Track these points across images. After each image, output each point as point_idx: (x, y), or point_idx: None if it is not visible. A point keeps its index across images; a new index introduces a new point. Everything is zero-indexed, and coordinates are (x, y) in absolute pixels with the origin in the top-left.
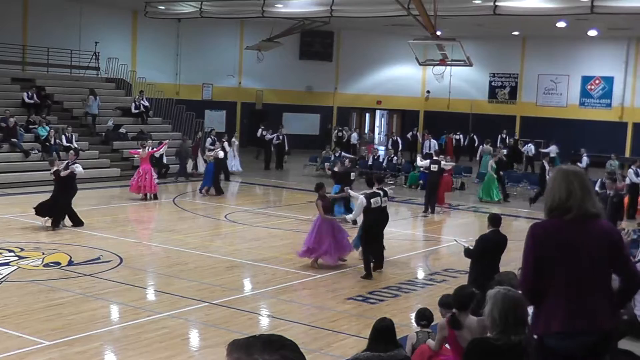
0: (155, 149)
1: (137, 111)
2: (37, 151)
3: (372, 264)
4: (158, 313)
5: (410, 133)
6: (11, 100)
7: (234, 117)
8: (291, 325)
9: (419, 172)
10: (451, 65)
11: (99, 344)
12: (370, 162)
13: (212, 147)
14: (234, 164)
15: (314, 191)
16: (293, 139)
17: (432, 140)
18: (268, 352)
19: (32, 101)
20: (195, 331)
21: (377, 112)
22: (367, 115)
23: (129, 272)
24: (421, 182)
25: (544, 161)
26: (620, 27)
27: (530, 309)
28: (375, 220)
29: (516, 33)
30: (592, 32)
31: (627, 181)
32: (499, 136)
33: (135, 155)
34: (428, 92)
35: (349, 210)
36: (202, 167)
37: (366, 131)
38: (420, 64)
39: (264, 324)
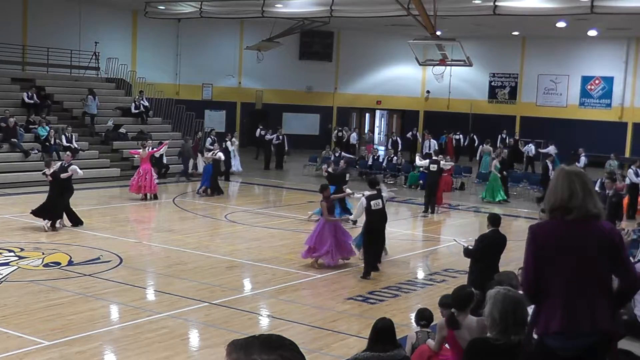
0: (155, 149)
1: (137, 111)
2: (37, 151)
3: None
4: (158, 313)
5: (410, 133)
6: (11, 100)
7: (234, 117)
8: (291, 325)
9: (419, 172)
10: (451, 65)
11: (99, 344)
12: (370, 162)
13: (211, 147)
14: (234, 163)
15: (319, 192)
16: (293, 139)
17: (432, 140)
18: (266, 352)
19: (32, 101)
20: (195, 331)
21: (377, 112)
22: (367, 115)
23: (128, 272)
24: (421, 182)
25: (547, 161)
26: (620, 27)
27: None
28: (376, 221)
29: (516, 33)
30: (592, 32)
31: (627, 181)
32: (499, 136)
33: (136, 156)
34: (428, 92)
35: (346, 210)
36: (202, 167)
37: (366, 131)
38: (420, 64)
39: (264, 324)
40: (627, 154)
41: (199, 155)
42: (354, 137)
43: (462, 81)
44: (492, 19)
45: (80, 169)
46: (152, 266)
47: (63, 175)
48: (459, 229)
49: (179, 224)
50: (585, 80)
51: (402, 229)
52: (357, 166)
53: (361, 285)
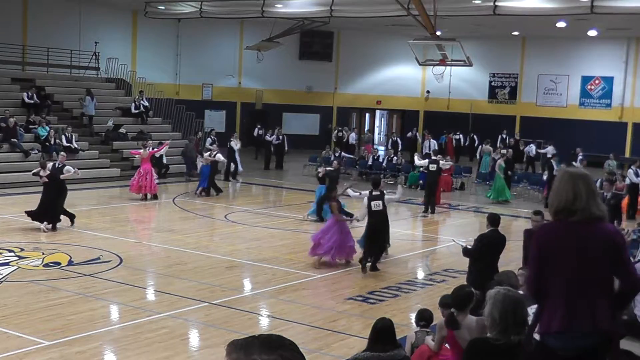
0: (156, 149)
1: (137, 111)
2: (37, 151)
3: (369, 263)
4: (158, 313)
5: (410, 133)
6: (11, 100)
7: (234, 117)
8: (291, 325)
9: (419, 172)
10: (451, 65)
11: (99, 344)
12: (370, 162)
13: (210, 148)
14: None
15: (325, 192)
16: (293, 139)
17: (431, 140)
18: (266, 352)
19: (32, 101)
20: (195, 331)
21: (377, 112)
22: (367, 115)
23: (128, 272)
24: (421, 182)
25: (552, 161)
26: (620, 27)
27: (530, 310)
28: (377, 222)
29: (516, 33)
30: (592, 32)
31: (627, 181)
32: (499, 136)
33: (136, 156)
34: (428, 92)
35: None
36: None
37: (366, 131)
38: (420, 64)
39: (264, 324)
40: (627, 154)
41: (199, 155)
42: (353, 137)
43: (462, 81)
44: (492, 19)
45: (79, 169)
46: (152, 266)
47: (64, 176)
48: (459, 229)
49: (179, 224)
50: (585, 80)
51: (402, 229)
52: (357, 166)
53: (361, 285)
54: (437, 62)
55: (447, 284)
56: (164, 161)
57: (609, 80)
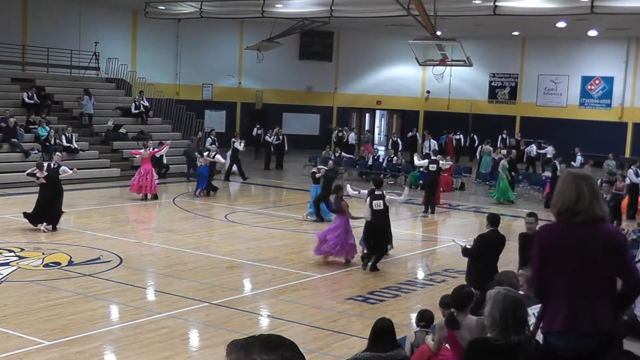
0: (157, 150)
1: (137, 111)
2: (37, 151)
3: (370, 261)
4: (158, 313)
5: (410, 133)
6: (11, 100)
7: (234, 118)
8: (291, 325)
9: (419, 172)
10: (451, 65)
11: (99, 344)
12: (370, 163)
13: (210, 148)
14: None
15: (332, 192)
16: (293, 139)
17: (431, 140)
18: (266, 352)
19: (32, 101)
20: (195, 331)
21: (377, 112)
22: (367, 115)
23: (128, 272)
24: (421, 182)
25: (556, 162)
26: (620, 27)
27: (530, 310)
28: (376, 221)
29: (516, 33)
30: (592, 32)
31: (627, 181)
32: (499, 136)
33: (137, 156)
34: (428, 92)
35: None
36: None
37: (366, 131)
38: (420, 64)
39: (264, 324)
40: (627, 154)
41: (198, 155)
42: (352, 137)
43: (462, 81)
44: (492, 19)
45: (80, 169)
46: (152, 266)
47: (63, 176)
48: (459, 229)
49: (179, 224)
50: (586, 80)
51: (402, 229)
52: (357, 166)
53: (361, 286)
54: (437, 62)
55: (447, 284)
56: (164, 161)
57: (609, 81)
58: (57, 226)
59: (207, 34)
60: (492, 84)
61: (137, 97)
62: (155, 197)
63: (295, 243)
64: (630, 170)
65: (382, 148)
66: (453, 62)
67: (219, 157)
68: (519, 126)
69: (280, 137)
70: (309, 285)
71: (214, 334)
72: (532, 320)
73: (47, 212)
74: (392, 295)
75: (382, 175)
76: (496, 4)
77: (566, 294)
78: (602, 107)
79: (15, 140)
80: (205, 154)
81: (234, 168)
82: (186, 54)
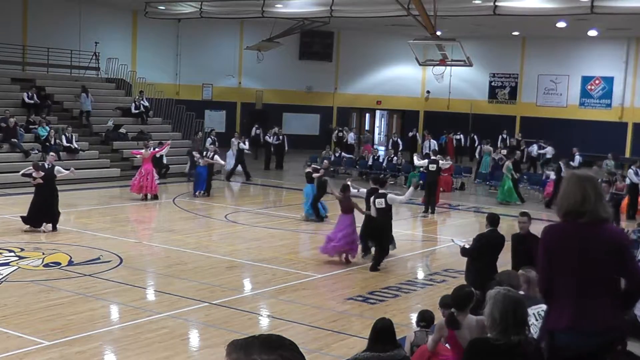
0: (158, 149)
1: (137, 111)
2: (37, 151)
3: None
4: (158, 313)
5: (410, 133)
6: (11, 100)
7: (234, 118)
8: (291, 325)
9: (419, 172)
10: (451, 65)
11: (99, 344)
12: (370, 163)
13: (208, 148)
14: (232, 163)
15: (340, 191)
16: (293, 139)
17: (431, 140)
18: (266, 352)
19: (32, 101)
20: (195, 331)
21: (377, 113)
22: (367, 115)
23: (128, 272)
24: (421, 182)
25: (560, 162)
26: (620, 27)
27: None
28: (376, 220)
29: (516, 33)
30: (592, 32)
31: (627, 181)
32: (500, 136)
33: (138, 156)
34: (428, 92)
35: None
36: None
37: (365, 131)
38: (420, 64)
39: (264, 324)
40: (627, 154)
41: (199, 155)
42: (351, 137)
43: (462, 81)
44: (492, 19)
45: (80, 169)
46: (152, 266)
47: (61, 175)
48: (459, 229)
49: (179, 224)
50: (586, 80)
51: (402, 229)
52: (357, 166)
53: (361, 286)
54: (437, 62)
55: (447, 284)
56: (164, 161)
57: (609, 81)
58: (57, 226)
59: (207, 34)
60: (492, 84)
61: (137, 97)
62: (155, 197)
63: (295, 243)
64: (630, 171)
65: (382, 148)
66: (453, 62)
67: (217, 157)
68: (519, 126)
69: (280, 137)
70: (309, 285)
71: (214, 334)
72: (532, 320)
73: (47, 213)
74: (392, 295)
75: (382, 175)
76: (496, 4)
77: (571, 293)
78: (602, 107)
79: (16, 140)
80: (204, 153)
81: (239, 168)
82: (186, 54)
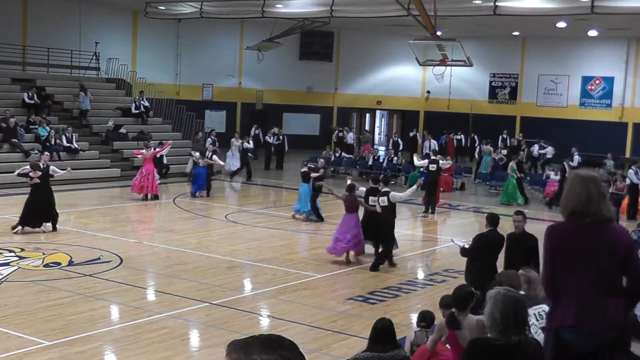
0: (159, 150)
1: (137, 111)
2: (37, 151)
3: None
4: (158, 313)
5: (411, 133)
6: (11, 100)
7: (234, 118)
8: (291, 325)
9: (419, 172)
10: (451, 65)
11: (99, 344)
12: (370, 163)
13: (207, 147)
14: (232, 163)
15: (346, 191)
16: (293, 139)
17: (431, 140)
18: (266, 352)
19: (32, 101)
20: (195, 331)
21: (377, 113)
22: (367, 115)
23: (129, 272)
24: (422, 182)
25: (564, 163)
26: (620, 27)
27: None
28: (382, 218)
29: (516, 33)
30: (592, 32)
31: (627, 181)
32: (500, 136)
33: (139, 156)
34: (428, 92)
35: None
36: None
37: (365, 131)
38: (420, 64)
39: (264, 324)
40: (627, 154)
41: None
42: (351, 137)
43: (462, 81)
44: (493, 19)
45: (80, 169)
46: (153, 266)
47: (58, 175)
48: (459, 229)
49: (180, 224)
50: (586, 80)
51: (402, 229)
52: (357, 166)
53: (361, 286)
54: (438, 62)
55: (448, 284)
56: (165, 161)
57: (609, 81)
58: (57, 226)
59: (208, 34)
60: (493, 84)
61: (138, 97)
62: (155, 197)
63: (295, 243)
64: (630, 171)
65: (383, 148)
66: (453, 62)
67: (215, 157)
68: (519, 126)
69: (281, 137)
70: (309, 286)
71: (214, 334)
72: (532, 320)
73: (46, 213)
74: (392, 295)
75: (381, 176)
76: (496, 4)
77: (576, 292)
78: (603, 107)
79: (16, 140)
80: (202, 153)
81: (232, 167)
82: (186, 54)
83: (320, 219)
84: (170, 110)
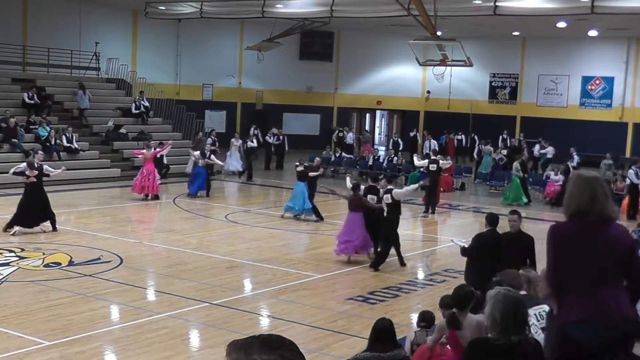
0: (159, 149)
1: (137, 111)
2: (37, 152)
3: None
4: (158, 313)
5: (411, 133)
6: (12, 100)
7: (234, 118)
8: (291, 325)
9: (419, 172)
10: (451, 65)
11: (99, 344)
12: (370, 163)
13: (211, 148)
14: (231, 163)
15: (351, 190)
16: (293, 139)
17: (431, 140)
18: (266, 352)
19: (32, 101)
20: (195, 331)
21: (378, 113)
22: (368, 115)
23: (129, 272)
24: (422, 182)
25: (568, 163)
26: (620, 27)
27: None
28: (387, 215)
29: (516, 33)
30: (593, 32)
31: (627, 181)
32: (500, 137)
33: (139, 156)
34: (428, 92)
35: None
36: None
37: (365, 131)
38: (420, 64)
39: (264, 324)
40: (627, 154)
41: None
42: (350, 137)
43: (462, 81)
44: (493, 19)
45: (80, 169)
46: (153, 266)
47: (54, 174)
48: (459, 229)
49: (180, 224)
50: (586, 80)
51: (402, 229)
52: (357, 166)
53: (361, 286)
54: (438, 63)
55: (448, 284)
56: (165, 161)
57: (609, 81)
58: (56, 226)
59: (208, 34)
60: (493, 84)
61: (138, 97)
62: (156, 197)
63: (295, 243)
64: (630, 171)
65: (383, 148)
66: (453, 62)
67: (213, 157)
68: (520, 126)
69: (281, 137)
70: (309, 286)
71: (214, 334)
72: (532, 320)
73: (43, 212)
74: (393, 295)
75: (382, 176)
76: (496, 4)
77: (580, 290)
78: (603, 107)
79: (16, 140)
80: (200, 152)
81: (231, 167)
82: (186, 54)
83: (320, 218)
84: (170, 110)
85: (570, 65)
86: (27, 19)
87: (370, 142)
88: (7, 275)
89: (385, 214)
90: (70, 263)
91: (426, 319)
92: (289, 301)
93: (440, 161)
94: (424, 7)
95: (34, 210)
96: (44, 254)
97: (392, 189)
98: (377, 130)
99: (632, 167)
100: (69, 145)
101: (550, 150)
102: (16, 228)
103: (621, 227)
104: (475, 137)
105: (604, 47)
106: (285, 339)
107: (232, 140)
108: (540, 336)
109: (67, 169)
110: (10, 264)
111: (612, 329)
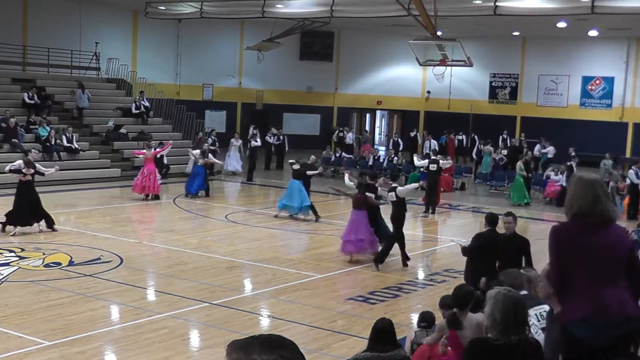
0: (160, 149)
1: (137, 111)
2: (37, 152)
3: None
4: (158, 313)
5: (412, 133)
6: (12, 100)
7: (234, 118)
8: (291, 325)
9: (419, 172)
10: (451, 65)
11: (99, 344)
12: (370, 162)
13: (212, 148)
14: (230, 163)
15: (356, 188)
16: (293, 139)
17: (431, 140)
18: (266, 352)
19: (32, 101)
20: (196, 331)
21: (378, 113)
22: (368, 115)
23: (129, 272)
24: (421, 182)
25: (572, 163)
26: (620, 27)
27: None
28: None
29: (516, 33)
30: (593, 32)
31: (627, 182)
32: (500, 137)
33: (140, 156)
34: (428, 92)
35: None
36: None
37: (365, 131)
38: (420, 64)
39: (264, 324)
40: (627, 155)
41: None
42: (350, 137)
43: (462, 81)
44: (493, 19)
45: (80, 169)
46: (153, 266)
47: (49, 173)
48: (459, 229)
49: (180, 224)
50: (586, 80)
51: (403, 229)
52: (357, 166)
53: (362, 286)
54: (438, 63)
55: (448, 284)
56: (165, 161)
57: (609, 81)
58: (55, 227)
59: (208, 34)
60: (493, 84)
61: (138, 97)
62: (156, 197)
63: (295, 243)
64: (630, 171)
65: (383, 148)
66: (453, 62)
67: (211, 156)
68: (520, 126)
69: (281, 137)
70: (309, 286)
71: (215, 334)
72: (533, 320)
73: (35, 212)
74: (393, 295)
75: (382, 175)
76: (496, 4)
77: (583, 289)
78: (603, 107)
79: (16, 140)
80: (201, 151)
81: (230, 167)
82: (186, 54)
83: (317, 217)
84: (170, 110)
85: (570, 65)
86: (27, 19)
87: (370, 142)
88: (7, 275)
89: (392, 212)
90: (71, 263)
91: (426, 320)
92: (289, 301)
93: (441, 161)
94: (424, 7)
95: (26, 208)
96: (44, 254)
97: (396, 187)
98: (377, 130)
99: (632, 167)
100: (69, 145)
101: (551, 150)
102: (16, 228)
103: (621, 228)
104: (476, 137)
105: (604, 47)
106: (286, 339)
107: (232, 140)
108: (540, 336)
109: (68, 169)
110: (11, 264)
111: (614, 327)
